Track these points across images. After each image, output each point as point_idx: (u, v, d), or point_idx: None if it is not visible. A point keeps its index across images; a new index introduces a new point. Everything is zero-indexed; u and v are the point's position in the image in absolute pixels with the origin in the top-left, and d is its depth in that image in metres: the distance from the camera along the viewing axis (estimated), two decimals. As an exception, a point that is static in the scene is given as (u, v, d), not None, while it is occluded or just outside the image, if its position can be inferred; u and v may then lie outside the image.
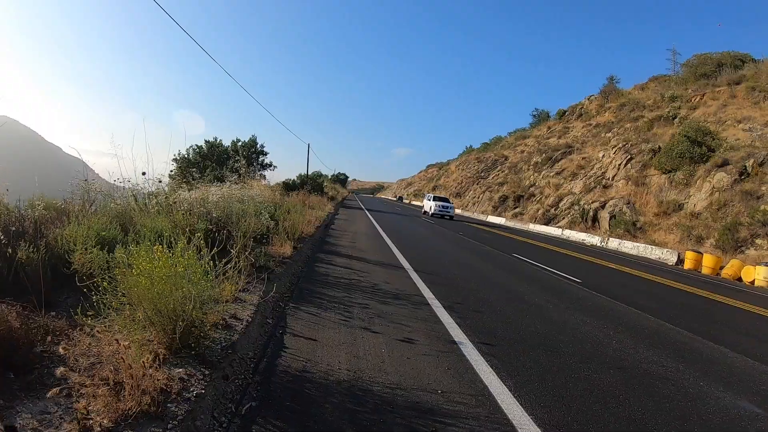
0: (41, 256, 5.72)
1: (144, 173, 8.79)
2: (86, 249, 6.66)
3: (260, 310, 6.39)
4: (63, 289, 5.73)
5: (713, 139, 32.21)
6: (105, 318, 4.50)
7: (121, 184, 9.13)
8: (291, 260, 9.98)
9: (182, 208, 8.63)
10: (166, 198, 8.79)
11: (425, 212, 45.64)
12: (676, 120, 40.26)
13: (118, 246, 5.99)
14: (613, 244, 29.50)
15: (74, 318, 4.51)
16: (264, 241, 10.95)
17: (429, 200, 46.56)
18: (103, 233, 7.40)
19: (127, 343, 4.38)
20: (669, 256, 24.74)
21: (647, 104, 49.40)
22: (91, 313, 4.38)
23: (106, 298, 4.47)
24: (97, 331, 4.56)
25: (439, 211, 41.88)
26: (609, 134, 48.37)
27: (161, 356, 4.33)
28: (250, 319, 5.84)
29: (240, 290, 6.94)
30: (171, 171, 30.05)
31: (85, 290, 4.47)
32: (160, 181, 9.06)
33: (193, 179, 19.02)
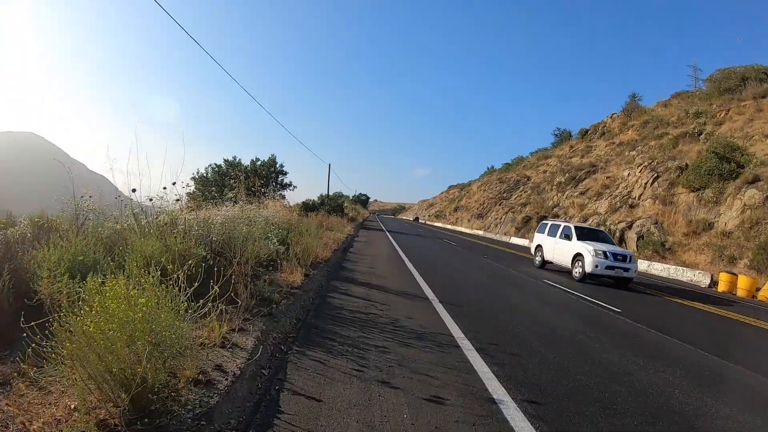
0: (4, 283, 4.83)
1: (134, 190, 7.65)
2: (54, 276, 5.57)
3: (255, 358, 5.12)
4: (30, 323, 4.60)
5: (742, 155, 30.52)
6: (55, 367, 3.47)
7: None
8: (301, 290, 8.69)
9: (177, 230, 7.45)
10: (156, 218, 7.60)
11: (546, 261, 21.24)
12: (702, 136, 38.56)
13: (91, 274, 4.85)
14: (642, 265, 27.83)
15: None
16: (272, 267, 9.78)
17: (569, 237, 19.46)
18: (81, 258, 6.29)
19: (74, 404, 3.27)
20: (701, 278, 23.11)
21: (671, 121, 47.54)
22: (25, 366, 3.53)
23: (53, 344, 3.44)
24: (47, 383, 3.58)
25: (607, 268, 16.73)
26: (633, 152, 46.69)
27: (109, 427, 3.20)
28: (239, 372, 4.56)
29: (234, 330, 5.74)
30: (179, 188, 29.33)
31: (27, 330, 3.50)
32: (151, 200, 7.87)
33: (210, 198, 18.09)
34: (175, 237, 7.10)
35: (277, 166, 36.69)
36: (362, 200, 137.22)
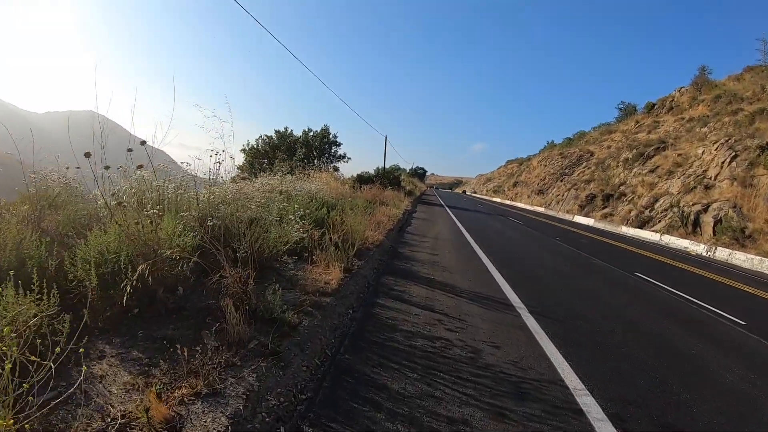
0: None
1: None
2: None
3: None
4: None
5: (834, 136, 26.31)
6: None
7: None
8: (336, 297, 5.77)
9: (149, 211, 4.72)
10: (123, 192, 4.89)
11: None
12: (781, 113, 34.22)
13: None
14: (722, 254, 23.88)
15: None
16: (303, 258, 7.07)
17: None
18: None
19: None
20: (791, 274, 19.31)
21: (746, 96, 42.19)
22: None
23: None
24: None
25: None
26: (705, 129, 42.04)
27: None
28: None
29: (198, 394, 3.04)
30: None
31: None
32: (107, 167, 5.10)
33: (261, 170, 15.93)
34: (138, 222, 4.39)
35: (331, 136, 33.72)
36: (419, 173, 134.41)
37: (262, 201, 6.65)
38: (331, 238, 7.09)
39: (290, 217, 6.44)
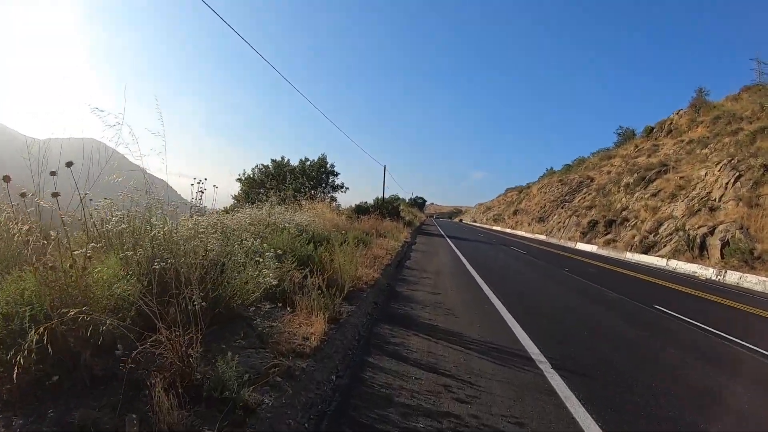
0: None
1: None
2: None
3: None
4: None
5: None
6: None
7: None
8: (315, 358, 4.59)
9: (79, 251, 3.64)
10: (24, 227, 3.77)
11: None
12: (782, 132, 33.61)
13: None
14: (733, 277, 22.70)
15: None
16: (284, 300, 5.97)
17: None
18: None
19: None
20: (807, 296, 18.19)
21: (745, 116, 41.81)
22: None
23: None
24: None
25: None
26: (706, 150, 41.31)
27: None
28: None
29: None
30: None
31: None
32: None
33: (256, 200, 15.16)
34: (52, 267, 3.33)
35: (328, 166, 32.86)
36: (419, 203, 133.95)
37: (232, 237, 5.56)
38: (314, 282, 5.96)
39: (258, 259, 5.28)
